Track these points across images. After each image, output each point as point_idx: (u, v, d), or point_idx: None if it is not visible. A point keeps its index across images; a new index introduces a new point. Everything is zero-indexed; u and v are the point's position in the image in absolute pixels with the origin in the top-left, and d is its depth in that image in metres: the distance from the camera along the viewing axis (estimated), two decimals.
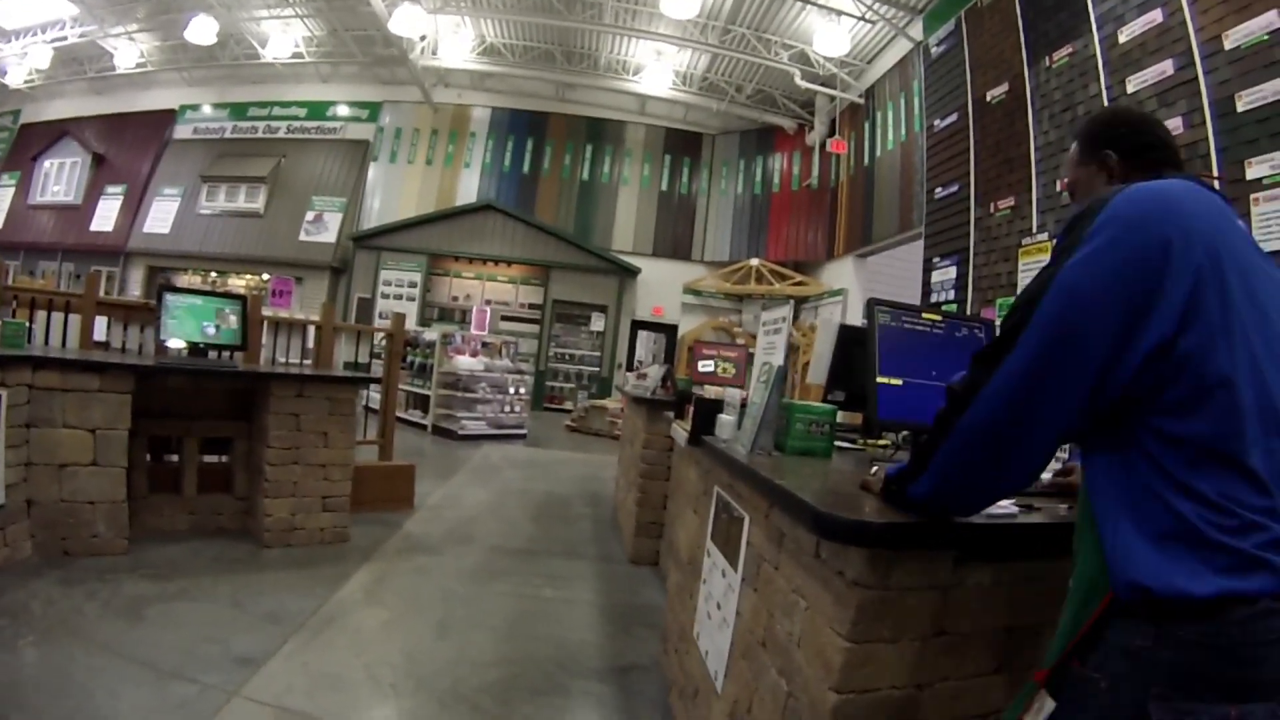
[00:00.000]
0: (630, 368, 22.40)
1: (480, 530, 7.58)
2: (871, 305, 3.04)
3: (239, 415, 6.65)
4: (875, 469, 2.43)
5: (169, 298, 6.15)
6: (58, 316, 6.37)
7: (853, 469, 3.04)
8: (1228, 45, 8.15)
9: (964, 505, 2.00)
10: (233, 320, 6.43)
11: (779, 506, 2.60)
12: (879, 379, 2.98)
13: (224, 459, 6.73)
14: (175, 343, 6.11)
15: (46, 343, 6.26)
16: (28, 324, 5.98)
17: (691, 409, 3.95)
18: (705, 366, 8.04)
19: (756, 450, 2.97)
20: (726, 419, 3.27)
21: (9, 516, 5.02)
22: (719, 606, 3.26)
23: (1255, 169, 7.77)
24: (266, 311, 7.59)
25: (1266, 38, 7.75)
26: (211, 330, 6.28)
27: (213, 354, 6.38)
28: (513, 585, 5.99)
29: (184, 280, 23.86)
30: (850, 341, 3.75)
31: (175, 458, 6.50)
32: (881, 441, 3.94)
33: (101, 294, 6.68)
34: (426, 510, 8.10)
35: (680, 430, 4.07)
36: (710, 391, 3.95)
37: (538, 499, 9.44)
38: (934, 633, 2.18)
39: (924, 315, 3.17)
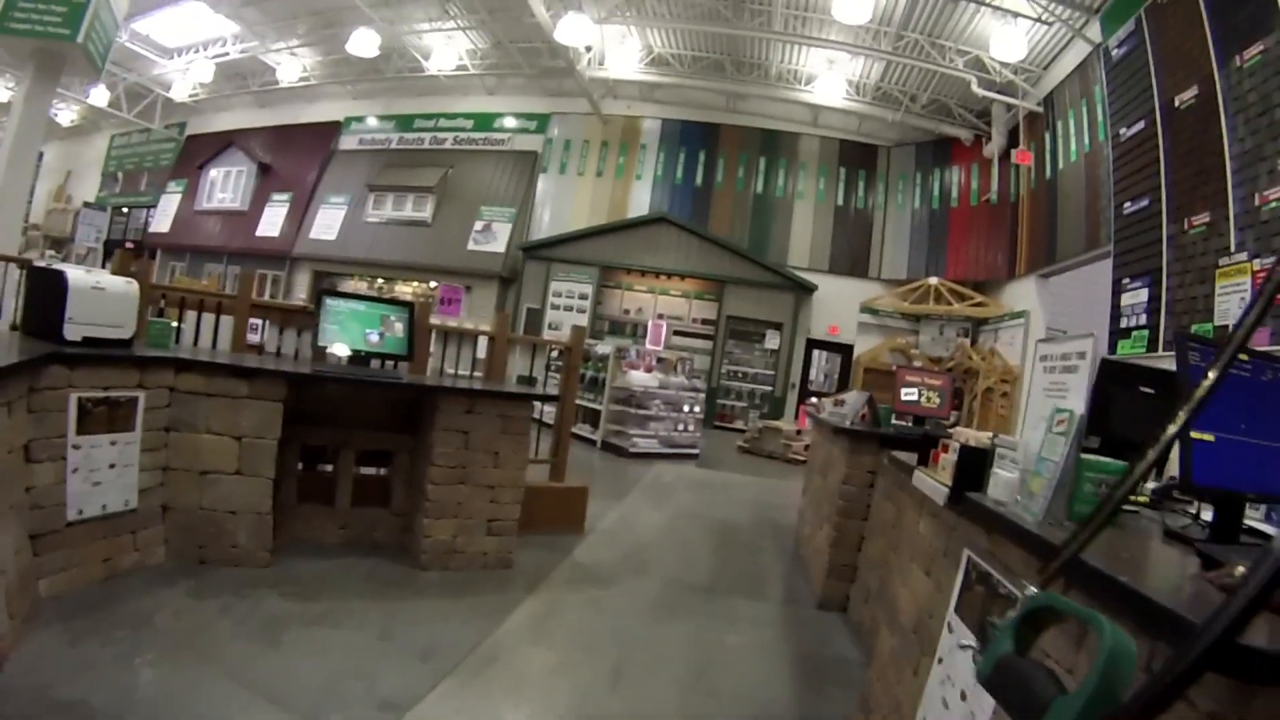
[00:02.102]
0: (804, 388, 21.89)
1: (655, 559, 7.13)
2: (1183, 341, 2.47)
3: (402, 427, 6.36)
4: (1241, 569, 1.87)
5: (329, 302, 5.90)
6: (210, 318, 6.25)
7: (1156, 545, 2.45)
8: None
9: None
10: (398, 328, 6.14)
11: (1085, 590, 2.05)
12: (1194, 434, 2.40)
13: (383, 471, 6.47)
14: (339, 349, 5.83)
15: (196, 344, 6.13)
16: (176, 324, 5.89)
17: (943, 455, 3.40)
18: (909, 395, 7.41)
19: (1049, 519, 2.43)
20: (1007, 476, 2.69)
21: (140, 520, 4.82)
22: (964, 698, 2.72)
23: None
24: (435, 320, 7.33)
25: None
26: (375, 338, 5.99)
27: (376, 362, 6.13)
28: (692, 627, 5.47)
29: (350, 286, 24.48)
30: (1111, 379, 3.20)
31: (330, 467, 6.27)
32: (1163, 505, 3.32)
33: (266, 296, 6.48)
34: (598, 534, 7.69)
35: (928, 480, 3.48)
36: (964, 435, 3.32)
37: (714, 526, 8.93)
38: None
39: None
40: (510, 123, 25.46)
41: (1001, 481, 2.69)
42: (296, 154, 26.98)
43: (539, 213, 24.69)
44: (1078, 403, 2.40)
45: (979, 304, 20.32)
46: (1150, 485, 3.59)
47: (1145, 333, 11.83)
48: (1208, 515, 2.74)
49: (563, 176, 24.85)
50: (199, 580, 4.82)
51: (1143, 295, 12.11)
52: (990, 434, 3.22)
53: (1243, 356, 2.61)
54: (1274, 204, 9.24)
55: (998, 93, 18.74)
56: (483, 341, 7.52)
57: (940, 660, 3.02)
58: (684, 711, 4.18)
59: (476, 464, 5.96)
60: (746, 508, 10.43)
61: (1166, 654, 1.65)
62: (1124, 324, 12.53)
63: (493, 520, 6.09)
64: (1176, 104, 11.60)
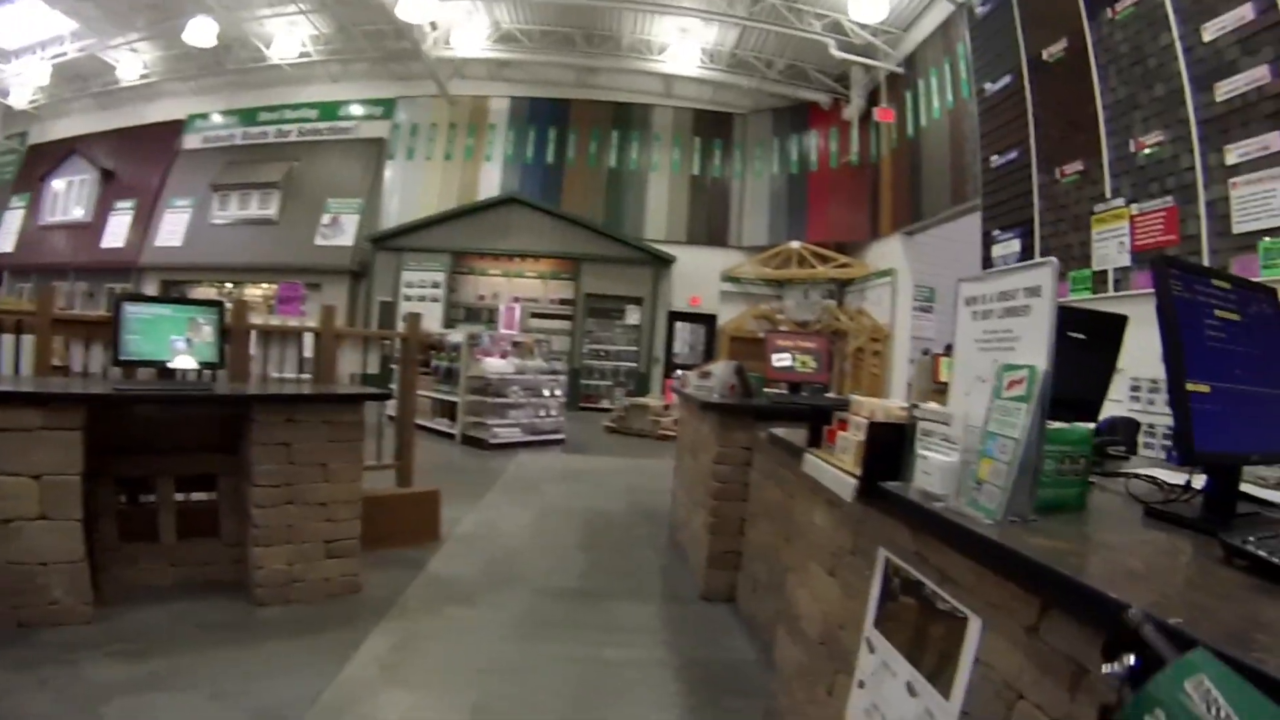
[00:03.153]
0: (669, 361, 21.55)
1: (521, 566, 6.42)
2: (1163, 267, 1.87)
3: (223, 446, 5.48)
4: None
5: (128, 309, 5.04)
6: (11, 339, 5.29)
7: (1150, 536, 1.91)
8: None
9: None
10: (207, 332, 5.29)
11: (1081, 621, 1.47)
12: (1189, 385, 1.81)
13: (212, 496, 5.58)
14: (184, 361, 5.07)
15: None
16: None
17: (845, 435, 2.74)
18: (781, 361, 6.87)
19: (1011, 515, 1.80)
20: (941, 460, 2.01)
21: None
22: None
23: None
24: (274, 321, 6.51)
25: None
26: (182, 345, 5.14)
27: (192, 375, 5.29)
28: (566, 644, 4.81)
29: (198, 293, 23.03)
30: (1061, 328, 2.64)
31: (153, 498, 5.37)
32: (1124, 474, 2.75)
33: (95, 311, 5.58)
34: (455, 542, 6.94)
35: (825, 467, 2.79)
36: (868, 409, 2.64)
37: (585, 519, 8.31)
38: None
39: (1214, 282, 2.02)
40: (356, 110, 24.45)
41: (935, 468, 2.03)
42: (140, 158, 25.35)
43: (388, 201, 23.78)
44: (1037, 356, 1.76)
45: (843, 265, 20.41)
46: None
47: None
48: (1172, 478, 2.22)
49: (411, 162, 23.99)
50: (20, 648, 4.04)
51: (1015, 246, 12.39)
52: (904, 403, 2.58)
53: (1225, 284, 2.07)
54: (1150, 150, 9.46)
55: (857, 55, 18.76)
56: (310, 340, 6.66)
57: (862, 684, 2.44)
58: None
59: (304, 479, 5.16)
60: (618, 495, 9.85)
61: None
62: None
63: (331, 541, 5.30)
64: (1045, 57, 11.77)
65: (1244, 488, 2.26)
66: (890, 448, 2.32)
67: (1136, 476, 2.57)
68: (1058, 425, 1.96)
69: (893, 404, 2.62)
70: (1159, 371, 7.80)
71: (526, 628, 5.05)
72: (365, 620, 4.90)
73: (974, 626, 1.86)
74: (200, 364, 5.29)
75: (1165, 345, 1.84)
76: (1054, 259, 1.93)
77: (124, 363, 5.12)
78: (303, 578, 5.17)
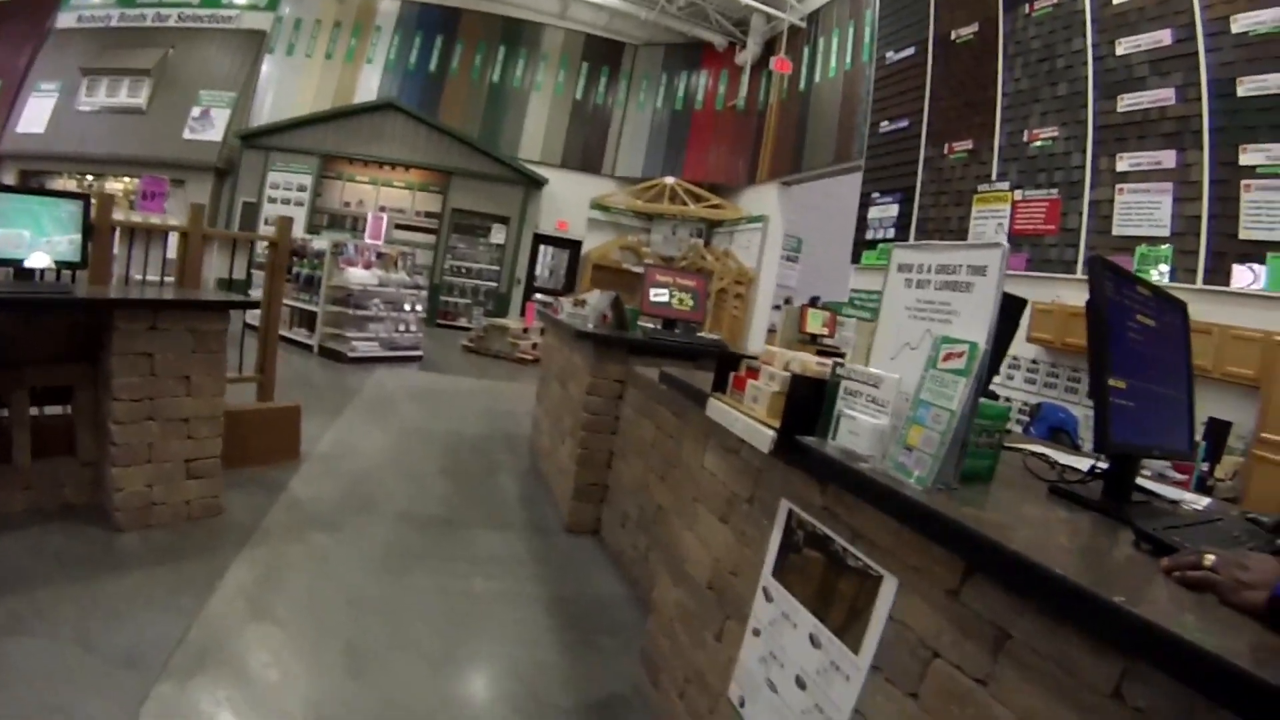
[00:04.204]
0: (530, 284, 21.44)
1: (383, 490, 6.27)
2: (1098, 268, 1.95)
3: (82, 355, 5.00)
4: (1211, 558, 1.39)
5: None
6: None
7: (1061, 514, 1.97)
8: (1235, 29, 8.04)
9: None
10: (70, 228, 4.80)
11: (1009, 589, 1.55)
12: (1111, 380, 1.91)
13: (67, 411, 5.12)
14: (39, 259, 4.59)
15: None
16: None
17: (757, 384, 2.75)
18: (658, 296, 6.86)
19: (939, 484, 1.86)
20: (870, 422, 2.05)
21: None
22: (801, 685, 2.20)
23: (1250, 156, 7.80)
24: (135, 218, 6.17)
25: (1277, 30, 7.68)
26: (43, 242, 4.66)
27: (51, 275, 4.81)
28: (434, 576, 4.74)
29: (59, 184, 21.41)
30: None
31: (5, 412, 4.85)
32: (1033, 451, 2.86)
33: None
34: (316, 461, 6.70)
35: (737, 416, 2.78)
36: (782, 360, 2.67)
37: (445, 441, 8.17)
38: None
39: (1139, 289, 2.12)
40: None
41: (863, 429, 2.07)
42: (8, 34, 22.64)
43: (261, 99, 22.30)
44: (978, 333, 1.82)
45: (715, 206, 20.49)
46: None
47: (891, 246, 12.23)
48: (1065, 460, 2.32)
49: (290, 59, 22.57)
50: None
51: (892, 210, 12.83)
52: (824, 359, 2.62)
53: (1147, 291, 2.18)
54: (1043, 142, 10.03)
55: (761, 3, 18.66)
56: (175, 240, 6.21)
57: (757, 632, 2.49)
58: (444, 696, 3.50)
59: (166, 393, 4.82)
60: (478, 418, 9.73)
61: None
62: (870, 236, 13.32)
63: (191, 460, 5.00)
64: (953, 37, 12.16)
65: (1159, 489, 2.44)
66: (809, 402, 2.34)
67: (1031, 454, 2.69)
68: (984, 401, 2.03)
69: (809, 358, 2.65)
70: (1019, 350, 8.26)
71: (392, 558, 4.94)
72: (228, 547, 4.69)
73: (889, 586, 1.92)
74: (61, 264, 4.80)
75: (1093, 340, 1.93)
76: (1005, 242, 1.99)
77: None
78: (163, 500, 4.89)
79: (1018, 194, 10.24)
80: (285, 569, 4.56)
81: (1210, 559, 1.42)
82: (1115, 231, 8.87)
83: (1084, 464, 2.56)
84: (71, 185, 21.70)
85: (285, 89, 22.42)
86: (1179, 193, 8.27)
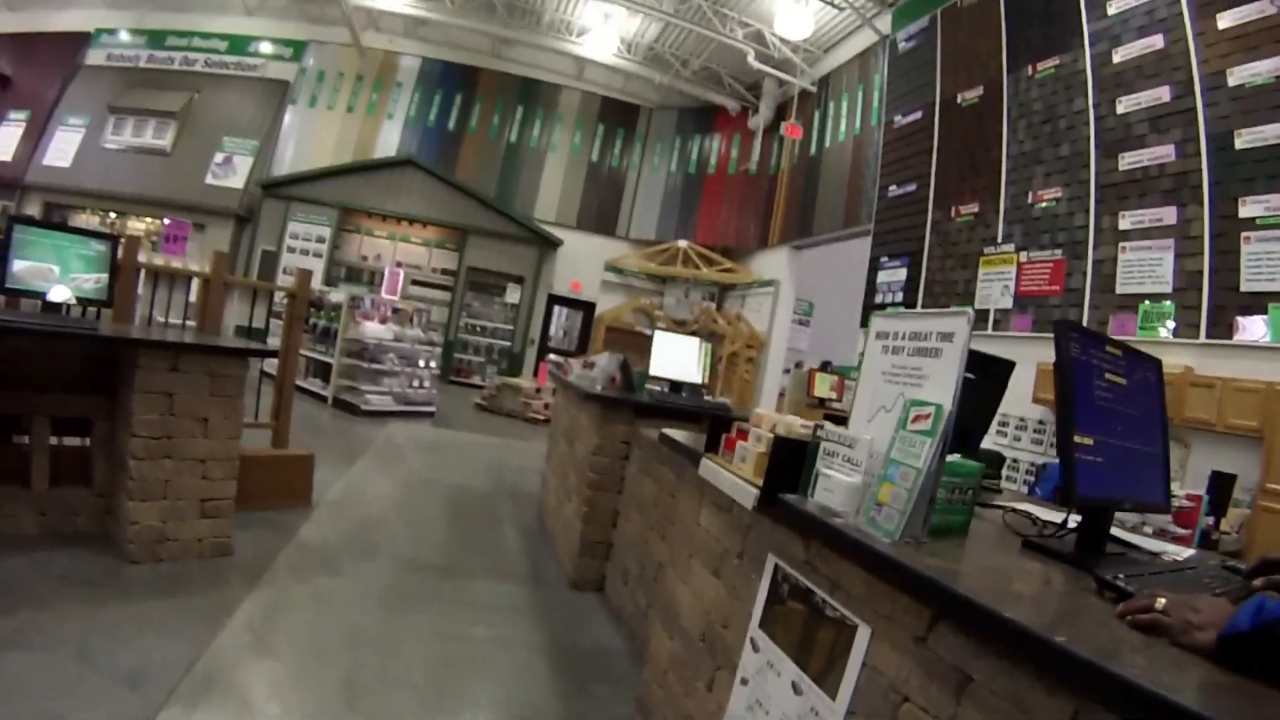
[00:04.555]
0: (544, 344, 21.56)
1: (389, 537, 6.39)
2: (1063, 331, 2.06)
3: (103, 389, 5.21)
4: (1162, 601, 1.47)
5: (19, 232, 4.76)
6: None
7: (1028, 565, 2.07)
8: (1231, 81, 8.15)
9: None
10: (98, 267, 5.05)
11: (971, 635, 1.64)
12: (1076, 438, 2.00)
13: (85, 442, 5.30)
14: (59, 293, 4.80)
15: None
16: None
17: (745, 445, 2.87)
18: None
19: (906, 537, 1.95)
20: (845, 480, 2.17)
21: None
22: None
23: (1249, 208, 7.85)
24: (157, 260, 6.33)
25: (1273, 80, 7.78)
26: (71, 278, 4.89)
27: (74, 310, 5.01)
28: (434, 619, 4.84)
29: (81, 220, 21.73)
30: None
31: (26, 440, 5.04)
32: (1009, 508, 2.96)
33: None
34: (326, 508, 6.83)
35: (724, 474, 2.92)
36: (769, 422, 2.79)
37: (451, 494, 8.29)
38: None
39: (1108, 349, 2.23)
40: (266, 48, 23.34)
41: (838, 486, 2.19)
42: (39, 66, 23.31)
43: (283, 147, 22.85)
44: (944, 396, 1.94)
45: (727, 270, 20.68)
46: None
47: (901, 309, 12.29)
48: (1045, 515, 2.41)
49: (312, 110, 23.15)
50: None
51: (901, 274, 12.85)
52: (806, 422, 2.74)
53: (1117, 351, 2.27)
54: (1047, 203, 10.07)
55: (773, 68, 18.96)
56: (197, 285, 6.43)
57: (745, 681, 2.57)
58: None
59: (184, 433, 4.98)
60: (485, 473, 9.83)
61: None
62: (879, 299, 13.31)
63: (206, 500, 5.14)
64: (959, 100, 12.32)
65: (1136, 540, 2.51)
66: (791, 462, 2.46)
67: (1013, 511, 2.77)
68: (952, 458, 2.12)
69: (794, 420, 2.77)
70: (1026, 411, 8.25)
71: (393, 600, 5.05)
72: (237, 585, 4.80)
73: (863, 634, 2.01)
74: (87, 300, 5.05)
75: (1059, 399, 2.05)
76: (970, 310, 2.11)
77: (9, 291, 4.79)
78: (175, 536, 5.01)
79: (1022, 255, 10.31)
80: (290, 607, 4.68)
81: (1162, 602, 1.49)
82: (1119, 290, 8.92)
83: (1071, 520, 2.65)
84: (94, 221, 22.07)
85: (306, 139, 22.89)
86: (1180, 248, 8.34)
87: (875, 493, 2.06)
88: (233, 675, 3.71)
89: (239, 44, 23.53)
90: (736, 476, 2.78)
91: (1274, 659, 1.28)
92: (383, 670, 4.04)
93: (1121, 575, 1.76)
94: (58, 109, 23.15)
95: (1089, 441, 2.03)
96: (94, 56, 23.86)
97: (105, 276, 5.09)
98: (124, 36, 23.90)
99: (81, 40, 23.97)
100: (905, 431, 2.03)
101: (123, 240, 5.47)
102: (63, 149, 22.53)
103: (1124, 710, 1.24)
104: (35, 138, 22.77)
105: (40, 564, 4.55)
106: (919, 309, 12.00)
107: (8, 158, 22.65)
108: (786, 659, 2.35)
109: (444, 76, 23.29)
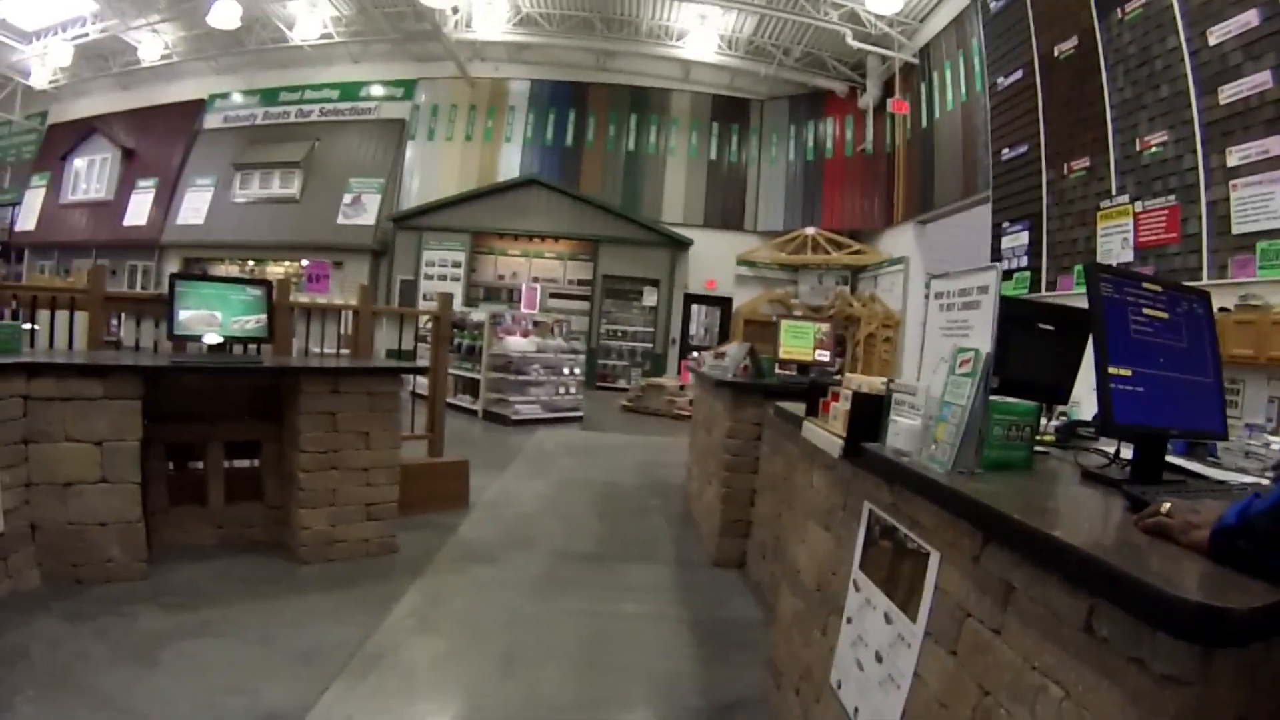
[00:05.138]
0: (685, 343, 21.84)
1: (541, 531, 6.86)
2: (1093, 272, 2.28)
3: (268, 415, 5.90)
4: (1167, 506, 1.69)
5: (180, 287, 5.41)
6: (64, 316, 5.68)
7: (1079, 491, 2.31)
8: None
9: None
10: (256, 309, 5.70)
11: (1010, 549, 1.87)
12: (1111, 369, 2.23)
13: (254, 464, 6.01)
14: (211, 337, 5.42)
15: (51, 345, 5.58)
16: (29, 325, 5.36)
17: (836, 405, 3.19)
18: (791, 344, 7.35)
19: (959, 468, 2.23)
20: (908, 423, 2.45)
21: (11, 544, 4.35)
22: (879, 659, 2.52)
23: None
24: (302, 298, 6.91)
25: None
26: (233, 321, 5.53)
27: (237, 348, 5.74)
28: (585, 600, 5.24)
29: (220, 270, 23.25)
30: (1008, 317, 3.04)
31: (200, 465, 5.79)
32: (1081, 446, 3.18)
33: (138, 288, 5.97)
34: (481, 509, 7.37)
35: (819, 432, 3.25)
36: (855, 381, 3.09)
37: (600, 490, 8.71)
38: None
39: (1145, 285, 2.43)
40: (377, 91, 24.64)
41: (903, 430, 2.48)
42: (160, 137, 25.47)
43: (408, 181, 24.01)
44: (983, 341, 2.22)
45: (857, 252, 20.65)
46: (1052, 424, 3.47)
47: (1027, 274, 12.30)
48: (1126, 453, 2.59)
49: (431, 143, 24.21)
50: (74, 601, 4.40)
51: (1023, 238, 12.62)
52: (883, 379, 3.01)
53: (1156, 287, 2.47)
54: (1155, 149, 9.76)
55: (873, 45, 18.97)
56: (347, 316, 7.10)
57: (850, 620, 2.85)
58: (584, 692, 3.96)
59: (347, 446, 5.58)
60: (633, 470, 10.22)
61: (1109, 612, 1.51)
62: (1005, 266, 13.06)
63: (370, 504, 5.73)
64: (1056, 54, 12.09)
65: (1188, 465, 2.68)
66: (870, 414, 2.74)
67: (1087, 450, 2.99)
68: (1008, 400, 2.37)
69: (876, 380, 3.03)
70: None
71: (547, 585, 5.47)
72: (401, 577, 5.33)
73: (934, 560, 2.27)
74: (250, 339, 5.73)
75: (1094, 336, 2.26)
76: (999, 264, 2.36)
77: (177, 337, 5.47)
78: (343, 538, 5.60)
79: (1138, 205, 10.07)
80: (451, 594, 5.20)
81: (1166, 506, 1.68)
82: (1235, 230, 8.61)
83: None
84: (234, 270, 23.53)
85: (430, 171, 23.94)
86: None
87: (933, 432, 2.33)
88: (399, 652, 4.20)
89: (350, 90, 24.86)
90: (829, 433, 3.09)
91: (1258, 549, 1.45)
92: (538, 645, 4.45)
93: (1153, 494, 1.93)
94: (184, 172, 25.02)
95: (1126, 373, 2.22)
96: (211, 120, 25.80)
97: (264, 317, 5.71)
98: (237, 99, 25.70)
99: (196, 107, 25.92)
100: (954, 376, 2.29)
101: (275, 285, 6.07)
102: (195, 207, 24.37)
103: (1124, 602, 1.45)
104: (166, 201, 24.67)
105: (221, 570, 5.20)
106: (1042, 271, 12.01)
107: (142, 222, 24.61)
108: (879, 592, 2.61)
109: (554, 95, 23.93)
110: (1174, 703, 1.38)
